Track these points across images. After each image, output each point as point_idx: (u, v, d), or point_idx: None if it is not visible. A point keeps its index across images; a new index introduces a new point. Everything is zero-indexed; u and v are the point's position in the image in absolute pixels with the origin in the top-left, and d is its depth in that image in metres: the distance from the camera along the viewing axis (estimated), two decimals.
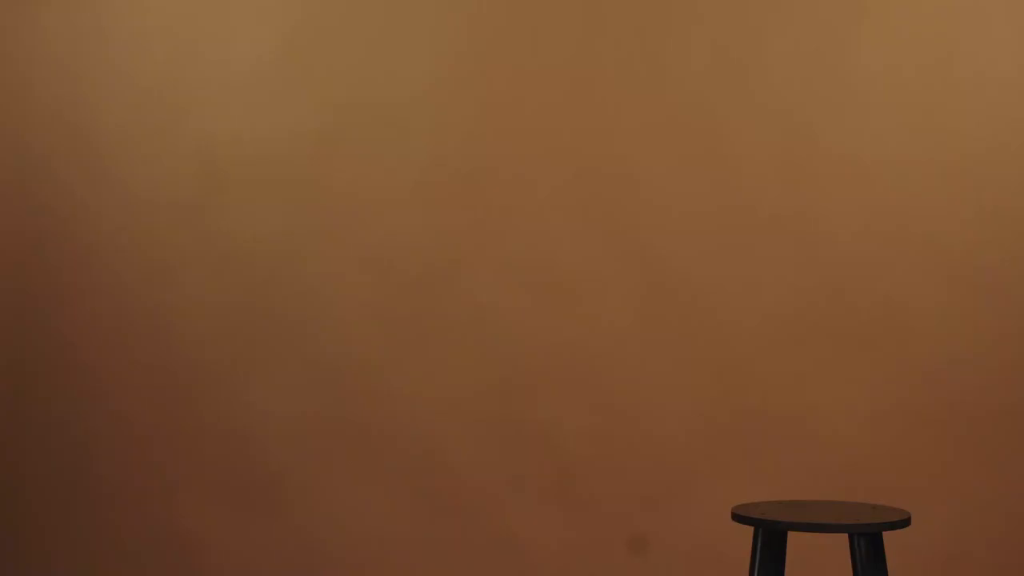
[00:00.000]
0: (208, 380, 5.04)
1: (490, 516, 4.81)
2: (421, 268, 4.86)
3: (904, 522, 3.45)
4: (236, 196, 5.02)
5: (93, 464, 5.18)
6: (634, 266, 4.70)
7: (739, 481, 4.61)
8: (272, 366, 4.99)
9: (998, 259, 4.44)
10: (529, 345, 4.78)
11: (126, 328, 5.14)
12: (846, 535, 4.02)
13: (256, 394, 5.00)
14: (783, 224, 4.60)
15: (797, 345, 4.58)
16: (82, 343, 5.19)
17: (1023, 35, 4.44)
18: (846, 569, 4.53)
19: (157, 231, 5.09)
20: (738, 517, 3.51)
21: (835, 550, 4.54)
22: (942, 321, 4.48)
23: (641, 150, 4.70)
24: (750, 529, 3.77)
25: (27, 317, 5.25)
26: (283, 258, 4.97)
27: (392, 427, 4.89)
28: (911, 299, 4.51)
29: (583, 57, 4.73)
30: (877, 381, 4.53)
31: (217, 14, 5.03)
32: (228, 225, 5.02)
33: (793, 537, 4.56)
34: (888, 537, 4.49)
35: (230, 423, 5.03)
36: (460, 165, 4.83)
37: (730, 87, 4.63)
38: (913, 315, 4.50)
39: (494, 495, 4.81)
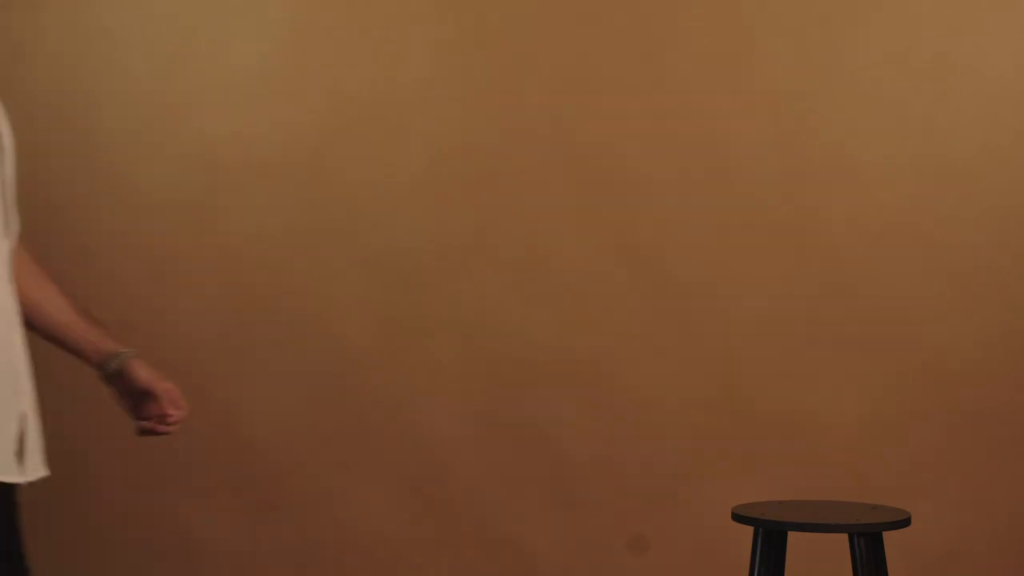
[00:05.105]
0: (208, 380, 5.03)
1: (490, 516, 4.81)
2: (421, 268, 4.85)
3: (904, 522, 3.45)
4: (236, 196, 5.01)
5: (93, 464, 5.17)
6: (634, 266, 4.70)
7: (739, 481, 4.61)
8: (272, 366, 4.98)
9: (998, 259, 4.44)
10: (529, 345, 4.77)
11: (126, 328, 5.13)
12: (846, 535, 4.02)
13: (256, 394, 5.00)
14: (783, 224, 4.59)
15: (797, 345, 4.58)
16: None
17: (1023, 35, 4.44)
18: (846, 569, 4.53)
19: (157, 231, 5.09)
20: (738, 517, 3.51)
21: (835, 550, 4.54)
22: (942, 321, 4.48)
23: (641, 150, 4.69)
24: (750, 529, 3.77)
25: None
26: (283, 258, 4.96)
27: (392, 427, 4.89)
28: (911, 299, 4.51)
29: (583, 57, 4.73)
30: (877, 381, 4.53)
31: (217, 14, 5.03)
32: (228, 225, 5.02)
33: (793, 537, 4.55)
34: (888, 537, 4.49)
35: (230, 423, 5.03)
36: (460, 165, 4.82)
37: (730, 87, 4.62)
38: (913, 315, 4.50)
39: (494, 495, 4.81)
